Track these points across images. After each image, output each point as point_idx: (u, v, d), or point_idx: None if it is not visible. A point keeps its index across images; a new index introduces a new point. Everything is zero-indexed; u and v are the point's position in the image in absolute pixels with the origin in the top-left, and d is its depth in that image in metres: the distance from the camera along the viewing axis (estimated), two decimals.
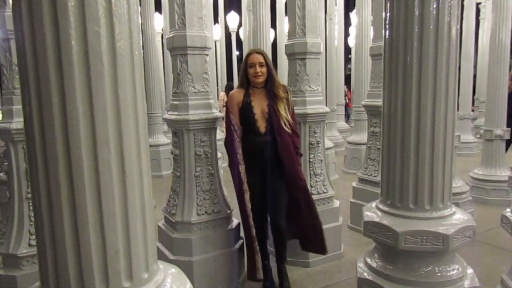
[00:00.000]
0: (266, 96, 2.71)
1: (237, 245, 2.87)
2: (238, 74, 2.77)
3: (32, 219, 2.55)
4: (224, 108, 11.02)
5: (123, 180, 0.88)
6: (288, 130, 2.70)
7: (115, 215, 0.87)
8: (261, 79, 2.66)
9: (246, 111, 2.68)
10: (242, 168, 2.68)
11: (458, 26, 1.64)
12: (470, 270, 1.78)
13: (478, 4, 8.23)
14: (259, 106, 2.70)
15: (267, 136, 2.70)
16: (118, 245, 0.89)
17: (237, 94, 2.75)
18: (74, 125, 0.81)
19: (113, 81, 0.84)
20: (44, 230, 0.87)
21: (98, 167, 0.84)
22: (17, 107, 2.56)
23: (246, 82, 2.72)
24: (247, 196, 2.67)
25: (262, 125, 2.69)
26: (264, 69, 2.65)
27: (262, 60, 2.66)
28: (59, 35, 0.78)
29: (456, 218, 1.72)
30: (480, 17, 8.69)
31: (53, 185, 0.83)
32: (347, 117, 12.67)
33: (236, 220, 2.96)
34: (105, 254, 0.87)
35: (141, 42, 0.95)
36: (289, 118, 2.71)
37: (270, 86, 2.69)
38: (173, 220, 2.74)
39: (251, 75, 2.66)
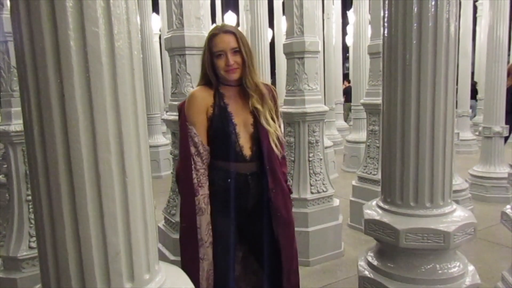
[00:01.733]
0: (245, 100, 1.77)
1: None
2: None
3: (32, 221, 2.55)
4: None
5: (123, 180, 0.87)
6: (279, 153, 1.78)
7: (116, 215, 0.87)
8: (237, 74, 1.71)
9: (221, 121, 1.72)
10: (202, 220, 1.68)
11: (457, 23, 1.64)
12: (471, 267, 1.78)
13: (475, 1, 8.24)
14: (239, 114, 1.75)
15: (254, 163, 1.78)
16: (119, 246, 0.88)
17: (203, 94, 1.75)
18: (73, 126, 0.81)
19: (113, 82, 0.84)
20: (44, 232, 0.86)
21: (98, 168, 0.84)
22: (16, 109, 2.55)
23: (215, 78, 1.75)
24: (204, 265, 1.68)
25: (246, 145, 1.75)
26: (239, 58, 1.70)
27: (234, 44, 1.69)
28: (58, 36, 0.77)
29: (457, 215, 1.72)
30: (477, 15, 8.70)
31: (53, 187, 0.83)
32: (346, 116, 12.66)
33: None
34: (106, 255, 0.87)
35: (140, 42, 0.94)
36: (280, 134, 1.81)
37: (247, 83, 1.73)
38: (173, 221, 2.74)
39: (222, 69, 1.70)
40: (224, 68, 1.70)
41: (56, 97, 0.80)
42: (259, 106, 1.76)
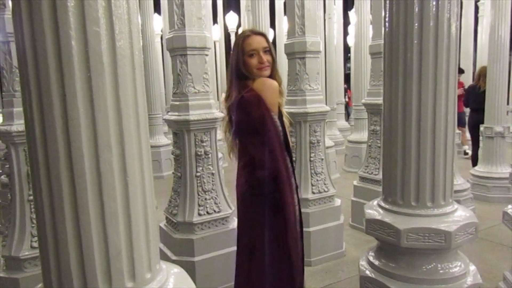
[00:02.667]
0: None
1: None
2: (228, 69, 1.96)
3: (34, 221, 2.55)
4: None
5: (125, 180, 0.88)
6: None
7: (117, 215, 0.87)
8: (268, 71, 1.88)
9: (279, 112, 1.91)
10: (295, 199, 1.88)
11: (458, 23, 1.63)
12: (472, 267, 1.78)
13: (476, 1, 8.23)
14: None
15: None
16: (121, 245, 0.88)
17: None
18: (75, 126, 0.81)
19: (114, 81, 0.84)
20: (46, 231, 0.87)
21: (99, 168, 0.84)
22: (18, 109, 2.56)
23: (248, 77, 1.89)
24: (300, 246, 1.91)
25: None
26: (269, 57, 1.88)
27: (265, 44, 1.88)
28: (59, 36, 0.78)
29: (458, 215, 1.72)
30: (479, 15, 8.68)
31: (55, 186, 0.83)
32: (348, 116, 12.69)
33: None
34: (108, 254, 0.87)
35: (141, 42, 0.95)
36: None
37: (277, 79, 1.92)
38: (175, 221, 2.74)
39: (254, 66, 1.85)
40: (256, 65, 1.85)
41: (58, 97, 0.80)
42: (280, 101, 1.94)
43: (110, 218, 0.87)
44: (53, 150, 0.82)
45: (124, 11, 0.86)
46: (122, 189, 0.88)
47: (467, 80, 7.35)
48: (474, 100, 5.42)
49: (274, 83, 1.84)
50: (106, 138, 0.84)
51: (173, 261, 2.60)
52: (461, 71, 5.87)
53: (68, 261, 0.86)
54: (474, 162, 5.35)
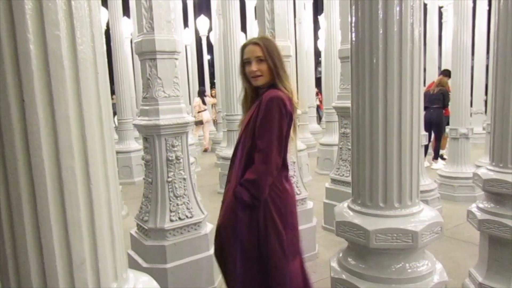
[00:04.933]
0: None
1: (212, 250, 2.84)
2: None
3: None
4: (199, 114, 10.71)
5: (88, 187, 0.85)
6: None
7: (80, 224, 0.85)
8: (262, 80, 1.88)
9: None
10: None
11: (421, 28, 1.69)
12: (439, 265, 1.83)
13: (440, 7, 8.53)
14: None
15: None
16: (84, 254, 0.86)
17: None
18: (34, 132, 0.78)
19: (75, 86, 0.82)
20: (4, 242, 0.83)
21: (61, 175, 0.81)
22: None
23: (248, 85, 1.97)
24: None
25: None
26: (265, 66, 1.86)
27: (259, 53, 1.86)
28: (16, 39, 0.75)
29: (424, 215, 1.76)
30: (443, 20, 9.00)
31: (14, 194, 0.80)
32: (319, 119, 12.87)
33: (210, 225, 2.94)
34: (71, 264, 0.84)
35: (104, 45, 0.92)
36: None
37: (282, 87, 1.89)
38: (146, 227, 2.70)
39: (249, 75, 1.90)
40: (249, 74, 1.90)
41: (16, 103, 0.77)
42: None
43: (73, 226, 0.84)
44: (12, 158, 0.79)
45: (86, 14, 0.83)
46: (85, 197, 0.85)
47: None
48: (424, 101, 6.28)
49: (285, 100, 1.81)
50: (67, 144, 0.81)
51: (145, 269, 2.55)
52: (448, 74, 6.07)
53: (29, 272, 0.83)
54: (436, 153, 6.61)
